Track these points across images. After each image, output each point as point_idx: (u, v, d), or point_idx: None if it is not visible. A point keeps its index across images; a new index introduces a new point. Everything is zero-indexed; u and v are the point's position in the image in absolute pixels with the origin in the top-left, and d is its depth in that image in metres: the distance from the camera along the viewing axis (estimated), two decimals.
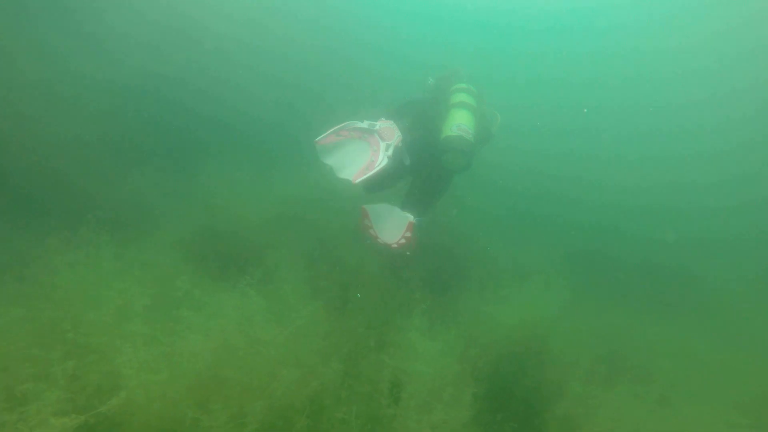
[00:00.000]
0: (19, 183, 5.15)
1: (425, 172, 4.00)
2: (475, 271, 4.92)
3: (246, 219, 5.51)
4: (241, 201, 5.74)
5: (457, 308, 4.14)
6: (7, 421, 2.19)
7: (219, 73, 9.08)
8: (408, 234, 3.54)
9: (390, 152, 3.31)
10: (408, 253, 3.55)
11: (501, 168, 8.12)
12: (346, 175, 3.15)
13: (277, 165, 6.57)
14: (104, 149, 6.17)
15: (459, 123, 3.75)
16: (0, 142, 5.43)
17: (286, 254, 4.98)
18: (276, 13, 10.59)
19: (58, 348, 2.72)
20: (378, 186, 4.10)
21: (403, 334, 3.30)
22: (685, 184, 9.23)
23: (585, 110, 11.55)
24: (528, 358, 3.79)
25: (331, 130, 3.31)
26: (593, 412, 3.35)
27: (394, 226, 3.61)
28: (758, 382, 3.99)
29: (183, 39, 9.14)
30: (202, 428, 2.43)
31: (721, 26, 11.17)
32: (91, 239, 3.54)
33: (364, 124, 3.45)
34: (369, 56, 11.72)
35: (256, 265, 4.41)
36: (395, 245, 3.55)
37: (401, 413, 2.65)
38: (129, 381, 2.48)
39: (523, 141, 9.72)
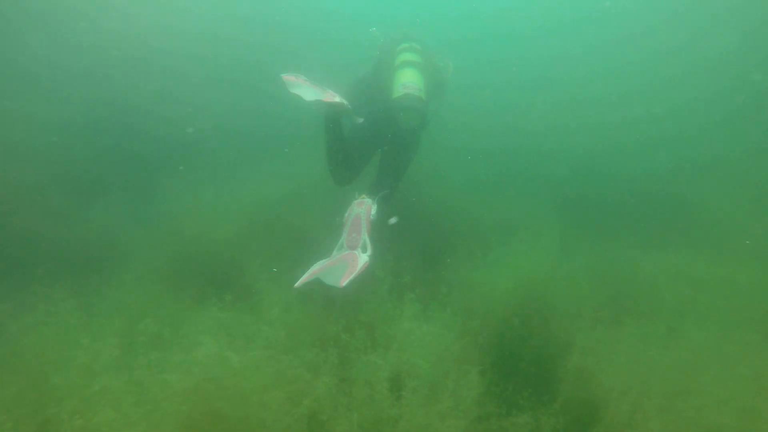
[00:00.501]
0: None
1: (388, 141, 3.97)
2: (461, 239, 4.74)
3: (217, 235, 5.25)
4: (209, 217, 5.47)
5: (449, 282, 3.97)
6: None
7: (165, 89, 8.64)
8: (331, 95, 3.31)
9: (368, 252, 3.27)
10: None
11: (470, 129, 7.91)
12: (333, 282, 2.97)
13: (240, 171, 6.29)
14: (53, 190, 5.82)
15: (404, 82, 3.72)
16: None
17: (264, 263, 4.77)
18: (213, 16, 10.10)
19: (28, 422, 2.51)
20: (347, 174, 4.03)
21: (395, 325, 3.12)
22: (656, 114, 9.08)
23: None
24: (530, 319, 3.65)
25: (306, 273, 3.14)
26: (605, 360, 3.23)
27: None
28: (762, 293, 3.91)
29: (122, 61, 8.67)
30: None
31: None
32: (47, 295, 3.29)
33: (335, 255, 3.31)
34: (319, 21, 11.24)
35: (233, 283, 4.23)
36: (329, 97, 3.29)
37: (406, 411, 2.50)
38: None
39: (489, 97, 9.48)
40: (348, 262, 3.10)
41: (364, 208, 3.57)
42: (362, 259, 3.12)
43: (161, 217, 5.57)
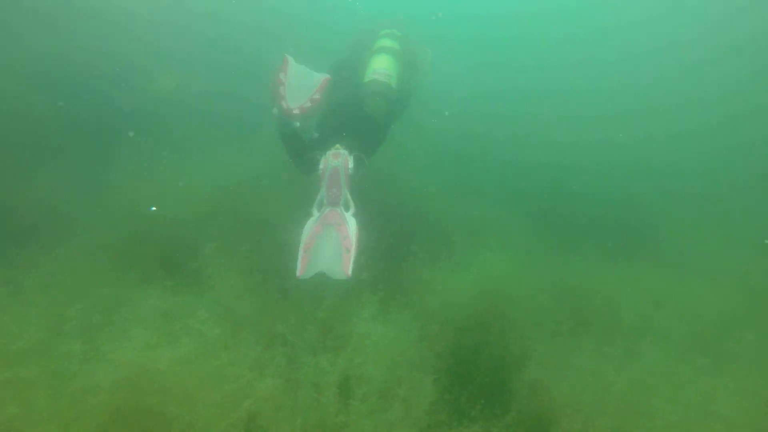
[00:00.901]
0: None
1: (353, 128, 3.81)
2: (426, 239, 4.62)
3: (171, 214, 4.95)
4: (166, 195, 5.16)
5: (410, 283, 3.85)
6: None
7: (134, 57, 8.12)
8: (317, 95, 3.28)
9: (352, 210, 3.16)
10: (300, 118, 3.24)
11: (444, 133, 7.80)
12: (338, 274, 2.82)
13: (205, 151, 5.98)
14: None
15: (376, 68, 3.74)
16: None
17: (219, 248, 4.53)
18: None
19: None
20: (312, 165, 3.63)
21: (351, 325, 2.97)
22: (637, 136, 9.25)
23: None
24: (490, 327, 3.56)
25: (299, 255, 2.94)
26: (561, 375, 3.18)
27: (305, 87, 3.30)
28: (716, 319, 3.97)
29: (97, 20, 8.08)
30: None
31: None
32: None
33: (315, 214, 3.16)
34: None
35: (182, 268, 3.98)
36: (297, 110, 3.22)
37: (354, 419, 2.35)
38: None
39: (471, 104, 9.37)
40: (337, 231, 2.95)
41: (341, 161, 3.26)
42: (350, 223, 2.98)
43: (113, 189, 5.20)
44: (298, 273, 2.80)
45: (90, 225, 4.73)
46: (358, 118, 3.78)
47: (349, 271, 2.75)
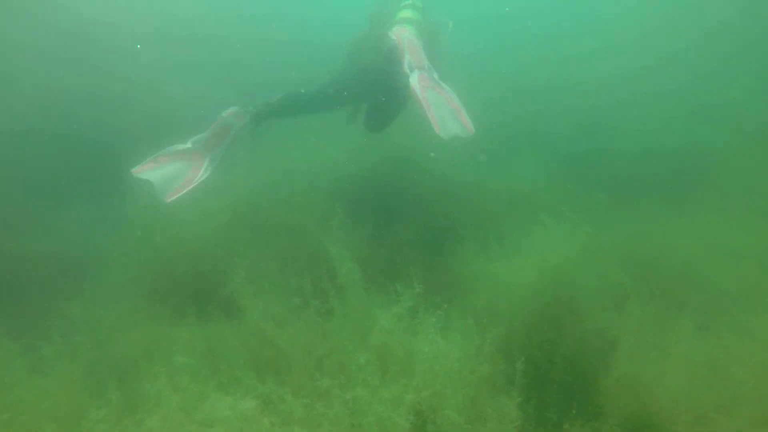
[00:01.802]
0: None
1: (378, 94, 4.06)
2: (469, 224, 4.17)
3: (195, 231, 4.63)
4: (184, 211, 4.80)
5: (464, 281, 3.42)
6: None
7: (137, 77, 7.72)
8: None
9: (216, 164, 3.40)
10: None
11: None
12: (163, 191, 3.16)
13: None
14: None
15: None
16: None
17: (251, 265, 4.19)
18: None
19: None
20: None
21: (408, 347, 2.57)
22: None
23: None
24: (562, 320, 3.11)
25: (150, 158, 3.29)
26: (660, 367, 2.71)
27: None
28: None
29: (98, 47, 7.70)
30: None
31: None
32: None
33: (188, 144, 3.41)
34: None
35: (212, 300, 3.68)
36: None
37: None
38: None
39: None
40: (192, 166, 3.22)
41: (239, 121, 3.57)
42: (205, 170, 3.23)
43: (127, 222, 4.88)
44: (134, 169, 3.15)
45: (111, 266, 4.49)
46: (381, 83, 3.89)
47: (171, 199, 3.04)
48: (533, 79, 8.07)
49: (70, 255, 4.79)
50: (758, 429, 2.19)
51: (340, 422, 2.08)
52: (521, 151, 6.00)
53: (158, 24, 8.27)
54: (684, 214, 4.96)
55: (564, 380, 2.88)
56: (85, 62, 7.42)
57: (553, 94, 7.56)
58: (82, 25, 7.71)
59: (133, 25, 8.05)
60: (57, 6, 7.76)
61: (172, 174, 3.14)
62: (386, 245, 4.25)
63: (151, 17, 8.50)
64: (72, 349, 3.14)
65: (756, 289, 3.27)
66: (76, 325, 3.50)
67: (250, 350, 2.97)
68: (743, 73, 7.85)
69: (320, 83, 3.95)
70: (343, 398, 2.20)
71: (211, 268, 4.37)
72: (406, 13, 4.05)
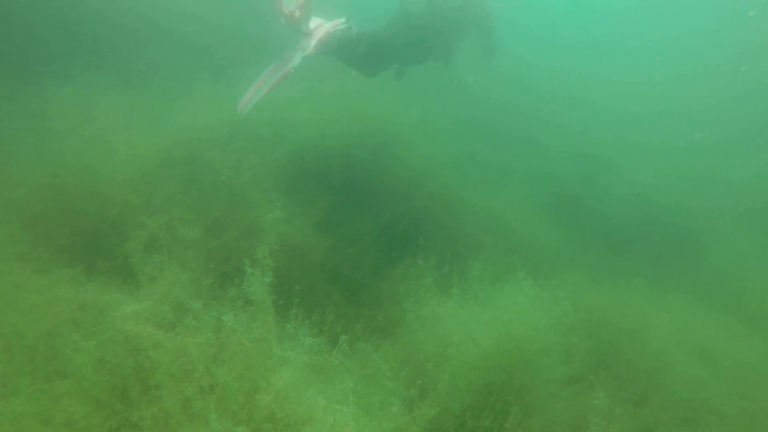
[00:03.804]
0: None
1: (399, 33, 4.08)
2: (433, 253, 3.50)
3: (112, 169, 3.79)
4: (105, 140, 3.93)
5: (405, 327, 2.76)
6: None
7: None
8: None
9: (308, 51, 3.44)
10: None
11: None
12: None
13: (159, 88, 4.70)
14: None
15: None
16: None
17: (172, 223, 3.48)
18: None
19: None
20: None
21: (311, 409, 1.88)
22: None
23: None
24: (509, 406, 2.49)
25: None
26: None
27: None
28: None
29: None
30: None
31: None
32: None
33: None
34: None
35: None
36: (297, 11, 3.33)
37: None
38: None
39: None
40: (284, 63, 3.40)
41: (334, 23, 3.61)
42: (297, 58, 3.38)
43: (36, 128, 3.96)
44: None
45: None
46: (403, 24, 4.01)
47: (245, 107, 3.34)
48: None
49: None
50: None
51: None
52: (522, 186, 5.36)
53: None
54: (666, 297, 4.51)
55: None
56: None
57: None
58: None
59: None
60: None
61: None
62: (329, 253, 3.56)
63: None
64: None
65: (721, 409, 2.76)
66: None
67: None
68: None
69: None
70: None
71: (117, 216, 3.58)
72: None
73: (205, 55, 5.46)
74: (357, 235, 4.37)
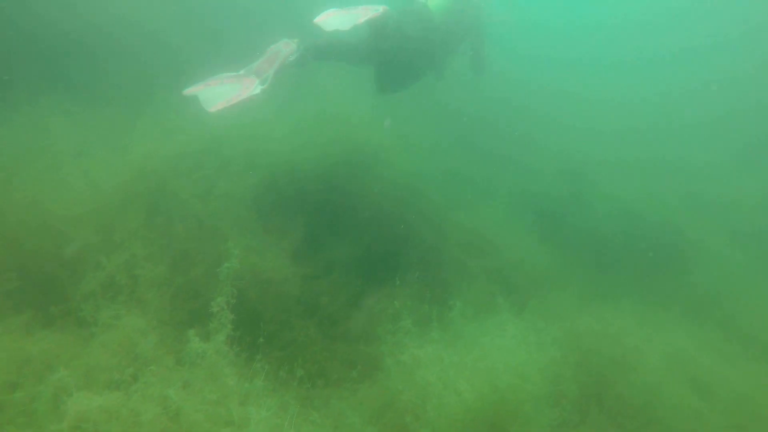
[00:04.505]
0: None
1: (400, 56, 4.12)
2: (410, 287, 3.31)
3: (66, 204, 3.52)
4: (56, 174, 3.65)
5: (382, 372, 2.55)
6: None
7: None
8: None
9: (266, 85, 3.39)
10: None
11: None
12: (208, 104, 3.16)
13: (120, 110, 4.43)
14: None
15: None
16: None
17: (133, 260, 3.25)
18: None
19: None
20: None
21: None
22: None
23: None
24: None
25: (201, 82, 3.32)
26: None
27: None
28: None
29: None
30: None
31: None
32: None
33: (240, 72, 3.47)
34: None
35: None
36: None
37: None
38: None
39: None
40: (242, 86, 3.28)
41: (287, 48, 3.63)
42: (255, 88, 3.28)
43: None
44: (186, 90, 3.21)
45: None
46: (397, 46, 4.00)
47: (215, 110, 3.12)
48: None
49: None
50: None
51: None
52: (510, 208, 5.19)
53: None
54: (656, 317, 4.37)
55: None
56: None
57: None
58: None
59: None
60: None
61: (222, 92, 3.20)
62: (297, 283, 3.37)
63: None
64: None
65: None
66: None
67: None
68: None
69: (360, 36, 3.98)
70: None
71: (72, 255, 3.32)
72: None
73: (172, 72, 5.17)
74: (335, 262, 4.17)
